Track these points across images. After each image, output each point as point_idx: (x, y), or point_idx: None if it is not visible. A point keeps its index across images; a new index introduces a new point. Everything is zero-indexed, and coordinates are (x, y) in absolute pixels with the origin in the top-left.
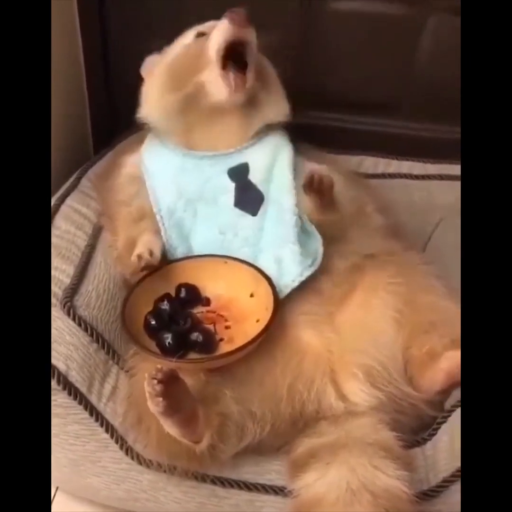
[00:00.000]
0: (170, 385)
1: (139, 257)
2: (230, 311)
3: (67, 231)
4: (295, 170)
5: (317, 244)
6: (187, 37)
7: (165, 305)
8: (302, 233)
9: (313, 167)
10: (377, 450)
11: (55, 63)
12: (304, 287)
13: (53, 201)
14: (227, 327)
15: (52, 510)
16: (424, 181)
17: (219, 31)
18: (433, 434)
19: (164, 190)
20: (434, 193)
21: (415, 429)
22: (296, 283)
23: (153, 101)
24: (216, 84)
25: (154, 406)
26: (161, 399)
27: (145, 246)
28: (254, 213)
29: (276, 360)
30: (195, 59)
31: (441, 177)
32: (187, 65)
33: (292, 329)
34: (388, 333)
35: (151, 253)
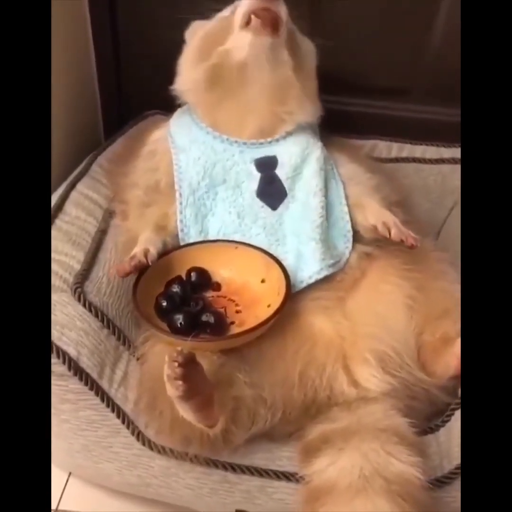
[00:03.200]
0: (189, 368)
1: (131, 257)
2: (240, 296)
3: (77, 217)
4: (324, 169)
5: (345, 249)
6: (226, 10)
7: (176, 288)
8: (332, 234)
9: (388, 219)
10: (390, 436)
11: (66, 51)
12: None
13: (63, 187)
14: (238, 311)
15: (64, 495)
16: (438, 165)
17: (244, 3)
18: (447, 421)
19: (190, 167)
20: (448, 177)
21: (429, 416)
22: (312, 280)
23: (184, 71)
24: (238, 43)
25: (174, 389)
26: (181, 382)
27: (142, 244)
28: (274, 207)
29: (286, 346)
30: (224, 31)
31: (455, 161)
32: (216, 36)
33: (302, 315)
34: (401, 319)
35: (146, 253)
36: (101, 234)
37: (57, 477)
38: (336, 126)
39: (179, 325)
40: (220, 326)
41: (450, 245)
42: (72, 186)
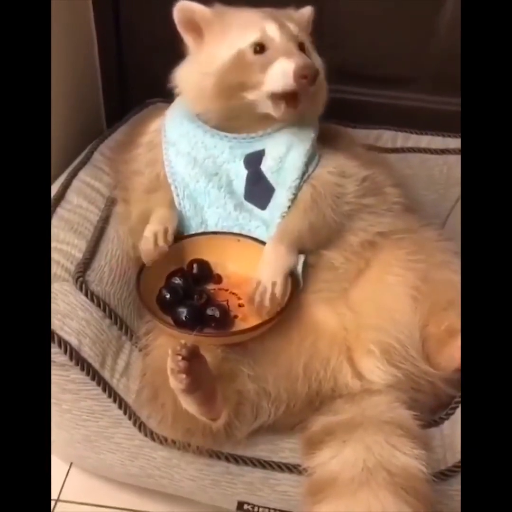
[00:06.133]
0: (193, 362)
1: (156, 245)
2: (242, 289)
3: (79, 205)
4: (310, 164)
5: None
6: (243, 41)
7: (178, 280)
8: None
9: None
10: (393, 428)
11: (68, 39)
12: (318, 264)
13: (65, 175)
14: (240, 305)
15: (65, 486)
16: (444, 155)
17: (280, 77)
18: (451, 414)
19: (180, 160)
20: (453, 167)
21: (433, 409)
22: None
23: (198, 96)
24: (266, 106)
25: (177, 383)
26: (184, 376)
27: (160, 222)
28: (263, 207)
29: (291, 338)
30: (248, 77)
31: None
32: (239, 80)
33: (306, 307)
34: (405, 310)
35: (166, 232)
36: (103, 222)
37: (58, 467)
38: (341, 116)
39: (184, 318)
40: (225, 321)
41: (456, 236)
42: (74, 174)
